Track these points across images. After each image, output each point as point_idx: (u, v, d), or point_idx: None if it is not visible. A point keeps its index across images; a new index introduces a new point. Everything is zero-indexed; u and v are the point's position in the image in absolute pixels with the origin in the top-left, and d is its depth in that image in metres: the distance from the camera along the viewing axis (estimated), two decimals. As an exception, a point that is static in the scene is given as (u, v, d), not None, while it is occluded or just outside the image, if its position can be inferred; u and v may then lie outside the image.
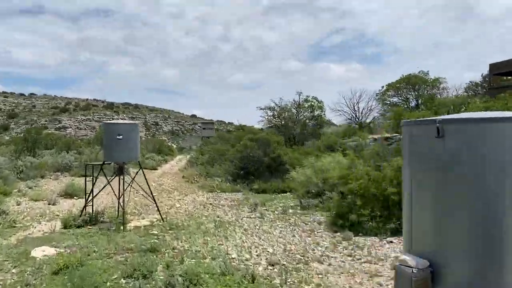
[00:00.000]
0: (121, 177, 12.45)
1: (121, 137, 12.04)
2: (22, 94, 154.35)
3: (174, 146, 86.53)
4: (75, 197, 17.46)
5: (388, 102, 39.06)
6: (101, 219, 13.11)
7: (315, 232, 11.01)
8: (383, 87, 40.70)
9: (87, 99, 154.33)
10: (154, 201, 13.46)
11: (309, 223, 12.19)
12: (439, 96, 32.46)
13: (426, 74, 39.30)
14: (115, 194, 12.89)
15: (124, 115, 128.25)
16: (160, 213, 13.30)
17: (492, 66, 30.28)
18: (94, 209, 13.48)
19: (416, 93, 38.75)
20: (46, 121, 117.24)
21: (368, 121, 34.63)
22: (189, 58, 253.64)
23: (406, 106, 34.04)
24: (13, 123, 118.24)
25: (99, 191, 13.40)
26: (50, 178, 24.70)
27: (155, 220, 13.16)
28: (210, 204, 16.57)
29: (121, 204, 12.24)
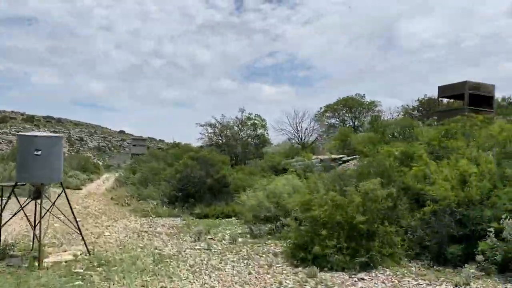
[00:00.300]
0: (38, 201, 10.18)
1: (39, 152, 9.84)
2: None
3: (101, 163, 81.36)
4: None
5: (327, 123, 39.24)
6: (11, 252, 10.66)
7: (274, 267, 9.55)
8: (321, 108, 40.94)
9: (4, 111, 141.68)
10: (79, 229, 11.22)
11: (264, 255, 10.72)
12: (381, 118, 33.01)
13: (362, 97, 40.18)
14: (29, 222, 10.53)
15: (46, 129, 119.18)
16: (86, 244, 11.10)
17: (441, 89, 31.35)
18: (2, 240, 10.97)
19: (353, 114, 39.33)
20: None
21: (310, 141, 34.27)
22: (119, 72, 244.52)
23: (347, 127, 34.22)
24: None
25: (10, 218, 10.92)
26: None
27: (79, 253, 10.94)
28: (145, 232, 14.51)
29: (37, 235, 9.95)
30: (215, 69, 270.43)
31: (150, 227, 15.42)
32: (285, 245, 11.21)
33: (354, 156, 19.62)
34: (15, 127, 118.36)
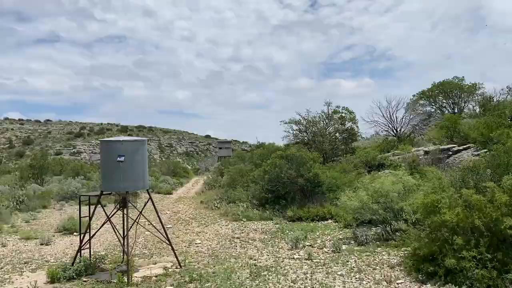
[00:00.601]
0: (125, 211, 9.49)
1: (122, 158, 9.12)
2: (38, 121, 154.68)
3: (189, 167, 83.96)
4: (75, 233, 14.48)
5: (422, 111, 35.63)
6: (101, 265, 10.15)
7: (395, 284, 7.80)
8: (414, 95, 37.39)
9: (101, 124, 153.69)
10: (168, 240, 10.40)
11: (378, 268, 8.97)
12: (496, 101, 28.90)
13: (461, 80, 35.92)
14: (116, 234, 9.91)
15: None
16: (176, 256, 10.24)
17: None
18: (92, 253, 10.54)
19: (452, 100, 35.34)
20: (61, 146, 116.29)
21: (405, 132, 31.19)
22: (201, 80, 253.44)
23: (454, 114, 30.57)
24: (28, 150, 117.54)
25: (96, 231, 10.44)
26: (54, 208, 21.91)
27: (170, 265, 10.11)
28: (238, 238, 13.45)
29: (125, 248, 9.25)
30: (292, 69, 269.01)
31: (242, 232, 14.37)
32: (403, 254, 9.35)
33: (468, 145, 16.88)
34: (111, 137, 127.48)
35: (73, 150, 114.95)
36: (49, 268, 9.32)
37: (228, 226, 15.87)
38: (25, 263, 10.62)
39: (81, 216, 10.34)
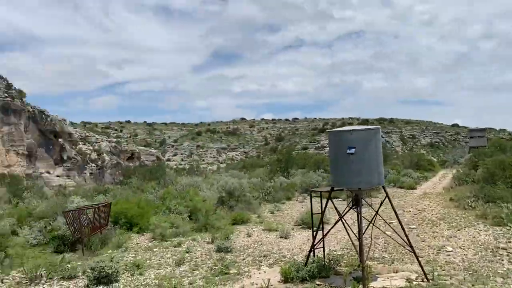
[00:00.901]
0: (358, 210, 8.38)
1: (352, 150, 8.02)
2: (287, 120, 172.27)
3: (435, 159, 77.05)
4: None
5: None
6: (336, 267, 9.34)
7: None
8: None
9: (342, 118, 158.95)
10: (410, 245, 8.74)
11: None
12: None
13: None
14: (349, 235, 8.88)
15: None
16: (421, 265, 8.50)
17: None
18: (327, 252, 9.88)
19: None
20: (306, 141, 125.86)
21: None
22: (443, 64, 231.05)
23: None
24: (280, 146, 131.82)
25: (330, 229, 9.66)
26: (297, 200, 22.89)
27: (414, 276, 8.45)
28: (504, 249, 10.53)
29: (360, 251, 8.13)
30: None
31: (509, 242, 11.27)
32: None
33: None
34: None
35: (317, 144, 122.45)
36: (283, 266, 9.06)
37: (488, 232, 12.82)
38: (264, 256, 10.84)
39: (314, 212, 9.78)
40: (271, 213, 18.30)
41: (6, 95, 61.54)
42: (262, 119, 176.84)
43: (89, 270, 9.02)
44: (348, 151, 8.05)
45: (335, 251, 10.95)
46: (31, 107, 71.05)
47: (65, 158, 78.85)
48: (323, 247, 9.59)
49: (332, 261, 9.32)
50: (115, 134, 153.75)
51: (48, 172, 74.09)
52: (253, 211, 17.92)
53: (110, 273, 8.69)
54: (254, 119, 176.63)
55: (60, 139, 77.71)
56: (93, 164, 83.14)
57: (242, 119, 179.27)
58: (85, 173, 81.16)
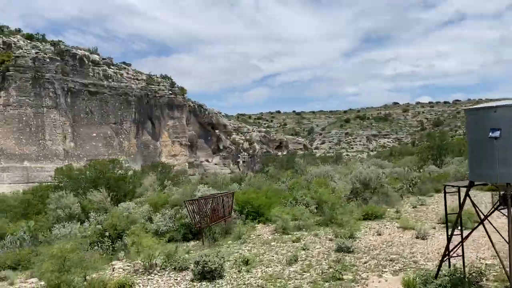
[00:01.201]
0: (508, 211, 6.27)
1: (497, 133, 6.00)
2: (446, 102, 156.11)
3: None
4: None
5: None
6: (480, 281, 7.32)
7: None
8: None
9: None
10: None
11: None
12: None
13: None
14: (492, 243, 6.80)
15: None
16: None
17: None
18: (466, 263, 7.84)
19: None
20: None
21: None
22: None
23: None
24: (437, 132, 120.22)
25: (470, 233, 7.60)
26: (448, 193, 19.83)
27: None
28: None
29: (503, 262, 6.08)
30: None
31: None
32: None
33: None
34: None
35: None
36: (407, 276, 7.45)
37: None
38: (391, 260, 9.22)
39: (449, 212, 7.86)
40: (413, 207, 16.08)
41: (170, 92, 69.01)
42: (418, 103, 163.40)
43: (193, 264, 8.83)
44: (490, 134, 6.05)
45: (481, 259, 8.73)
46: (191, 102, 78.64)
47: (221, 147, 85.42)
48: (462, 254, 7.62)
49: (474, 274, 7.33)
50: (266, 124, 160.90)
51: (207, 161, 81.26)
52: (391, 204, 15.99)
53: (214, 268, 8.32)
54: (408, 103, 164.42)
55: (216, 130, 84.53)
56: (245, 153, 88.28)
57: (395, 103, 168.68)
58: (239, 161, 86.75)
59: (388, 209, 15.24)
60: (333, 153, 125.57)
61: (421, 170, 24.24)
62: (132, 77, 65.75)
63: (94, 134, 59.44)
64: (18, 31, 60.10)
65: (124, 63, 70.55)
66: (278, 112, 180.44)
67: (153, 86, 67.04)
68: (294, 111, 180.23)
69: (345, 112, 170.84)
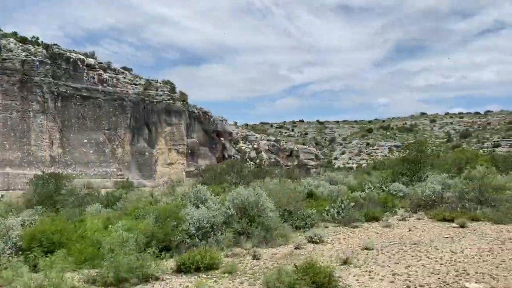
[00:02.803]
0: None
1: None
2: (477, 113, 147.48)
3: None
4: None
5: None
6: None
7: None
8: None
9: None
10: None
11: None
12: None
13: None
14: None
15: None
16: None
17: None
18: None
19: None
20: (499, 137, 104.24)
21: None
22: None
23: None
24: (464, 143, 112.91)
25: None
26: (379, 222, 15.66)
27: None
28: None
29: None
30: None
31: None
32: None
33: None
34: None
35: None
36: None
37: None
38: None
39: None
40: (294, 248, 11.67)
41: (169, 97, 66.75)
42: (447, 113, 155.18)
43: None
44: None
45: None
46: (196, 109, 76.22)
47: (226, 156, 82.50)
48: None
49: None
50: (286, 133, 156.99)
51: (211, 170, 78.44)
52: (272, 243, 11.69)
53: None
54: (436, 113, 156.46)
55: (222, 138, 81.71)
56: (252, 162, 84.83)
57: (423, 113, 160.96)
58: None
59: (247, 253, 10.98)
60: (353, 163, 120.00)
61: (385, 188, 20.18)
62: (130, 81, 63.95)
63: (85, 140, 57.71)
64: (14, 34, 59.53)
65: (124, 68, 69.03)
66: (302, 121, 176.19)
67: (150, 91, 65.04)
68: (317, 120, 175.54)
69: (370, 122, 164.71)
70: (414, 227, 13.50)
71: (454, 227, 13.13)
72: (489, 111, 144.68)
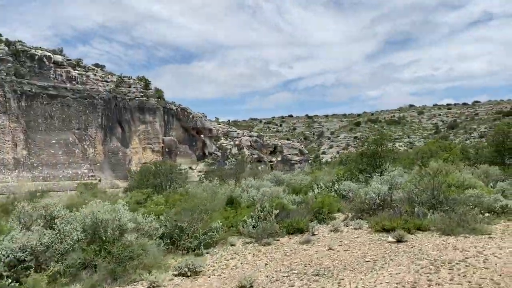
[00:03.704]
0: None
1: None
2: (465, 104, 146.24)
3: None
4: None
5: None
6: None
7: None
8: None
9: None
10: None
11: None
12: None
13: None
14: None
15: None
16: None
17: None
18: None
19: None
20: (486, 128, 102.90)
21: None
22: None
23: None
24: (452, 134, 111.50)
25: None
26: (300, 236, 13.36)
27: None
28: None
29: None
30: None
31: None
32: None
33: None
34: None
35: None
36: None
37: None
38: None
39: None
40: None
41: (142, 94, 64.34)
42: (435, 105, 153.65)
43: None
44: None
45: None
46: (174, 106, 73.81)
47: (206, 153, 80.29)
48: None
49: None
50: (274, 129, 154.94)
51: (191, 168, 76.03)
52: (115, 279, 9.17)
53: None
54: (424, 105, 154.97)
55: (202, 135, 79.45)
56: (233, 159, 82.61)
57: (411, 106, 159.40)
58: (225, 168, 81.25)
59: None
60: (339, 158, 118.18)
61: (337, 188, 18.22)
62: (100, 79, 61.46)
63: (54, 141, 55.26)
64: (-24, 32, 56.77)
65: (96, 64, 66.52)
66: (291, 116, 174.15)
67: (122, 88, 62.60)
68: (306, 115, 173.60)
69: (358, 115, 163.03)
70: (339, 244, 11.31)
71: (389, 241, 11.03)
72: (476, 101, 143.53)
